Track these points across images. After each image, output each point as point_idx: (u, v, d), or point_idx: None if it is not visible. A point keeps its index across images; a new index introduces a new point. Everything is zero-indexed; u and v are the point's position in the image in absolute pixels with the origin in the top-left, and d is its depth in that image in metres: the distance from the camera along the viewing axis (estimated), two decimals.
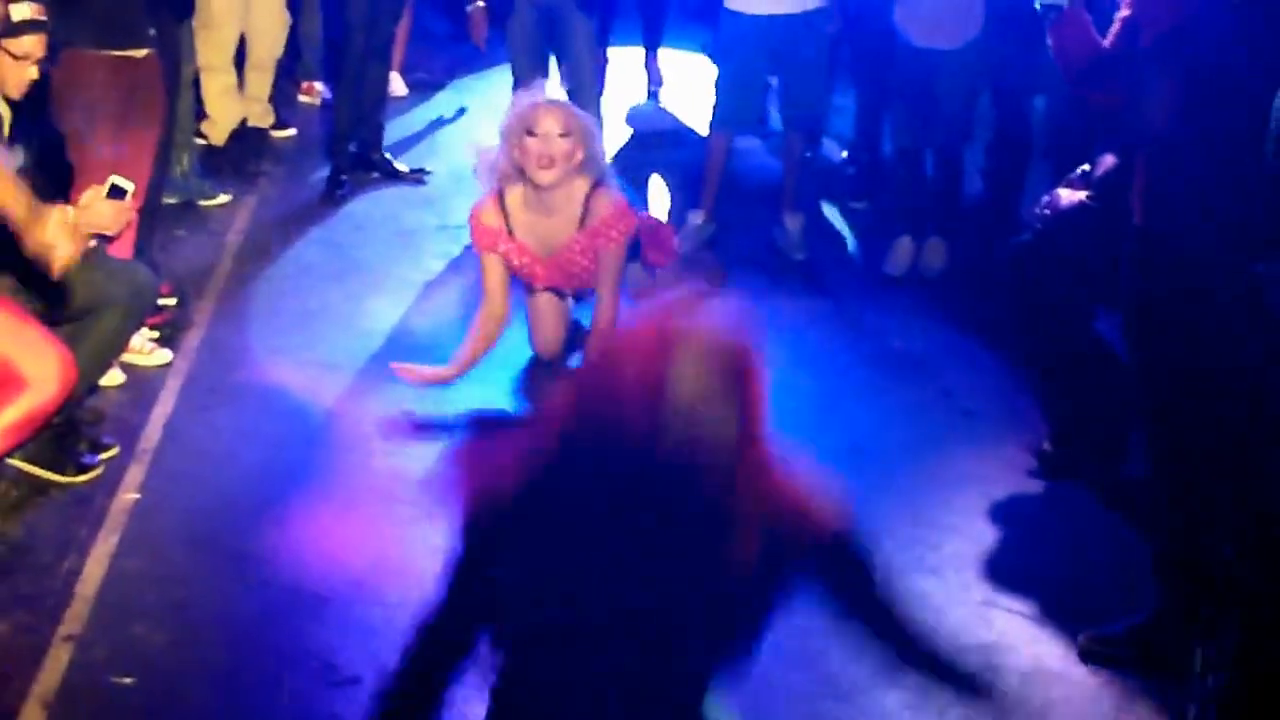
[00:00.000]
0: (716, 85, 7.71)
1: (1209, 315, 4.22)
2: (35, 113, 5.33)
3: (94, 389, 5.45)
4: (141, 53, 5.98)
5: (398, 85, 9.75)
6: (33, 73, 5.15)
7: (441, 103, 10.00)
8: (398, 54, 9.70)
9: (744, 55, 7.43)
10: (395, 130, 8.99)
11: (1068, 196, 5.36)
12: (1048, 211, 5.40)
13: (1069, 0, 4.30)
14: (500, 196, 5.77)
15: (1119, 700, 4.36)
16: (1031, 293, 5.42)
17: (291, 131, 9.11)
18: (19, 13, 5.05)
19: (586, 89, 7.76)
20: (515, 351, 6.15)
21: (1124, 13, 4.33)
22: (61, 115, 5.74)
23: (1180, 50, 4.14)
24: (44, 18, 5.16)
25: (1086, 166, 5.38)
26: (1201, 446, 4.34)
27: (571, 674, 2.89)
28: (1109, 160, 5.21)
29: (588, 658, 2.87)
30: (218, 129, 8.34)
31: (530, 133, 5.54)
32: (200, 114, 8.22)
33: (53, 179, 5.63)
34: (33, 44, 5.10)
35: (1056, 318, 5.37)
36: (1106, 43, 4.38)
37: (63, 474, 5.18)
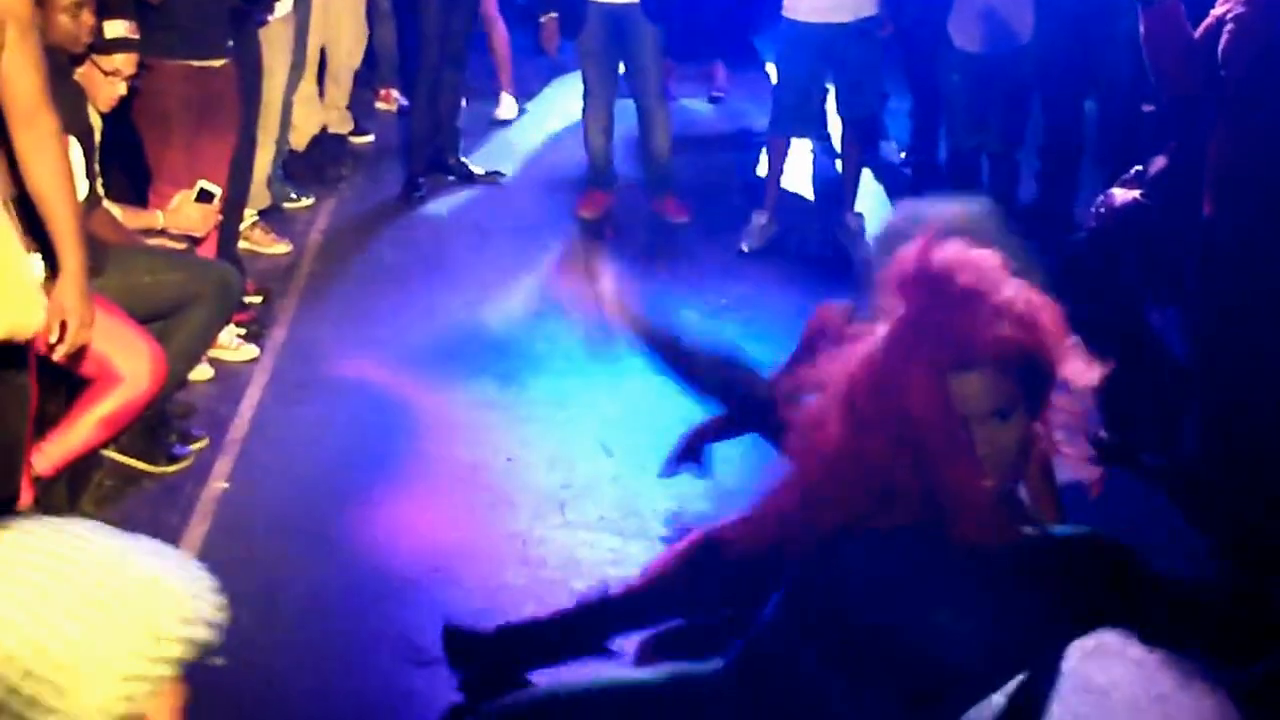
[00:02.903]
0: (775, 90, 7.85)
1: (1273, 306, 4.30)
2: (118, 120, 5.47)
3: (184, 383, 5.53)
4: (219, 63, 6.04)
5: (509, 107, 9.93)
6: (121, 89, 5.25)
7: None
8: (504, 74, 9.89)
9: (801, 62, 7.54)
10: (471, 135, 9.15)
11: (1122, 196, 5.41)
12: (1102, 210, 5.46)
13: None
14: None
15: (1178, 678, 4.36)
16: (1087, 287, 5.46)
17: (369, 137, 9.24)
18: (112, 30, 5.14)
19: (653, 96, 7.94)
20: None
21: (1219, 10, 4.33)
22: (139, 123, 5.87)
23: (1265, 53, 4.20)
24: (136, 36, 5.27)
25: (1139, 167, 5.45)
26: (1260, 436, 4.40)
27: None
28: (1161, 161, 5.28)
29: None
30: (298, 135, 8.43)
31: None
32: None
33: (131, 184, 5.81)
34: (123, 61, 5.20)
35: (1111, 311, 5.42)
36: (1197, 34, 4.37)
37: (155, 464, 5.31)
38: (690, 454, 4.93)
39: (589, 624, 3.91)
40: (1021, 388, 2.59)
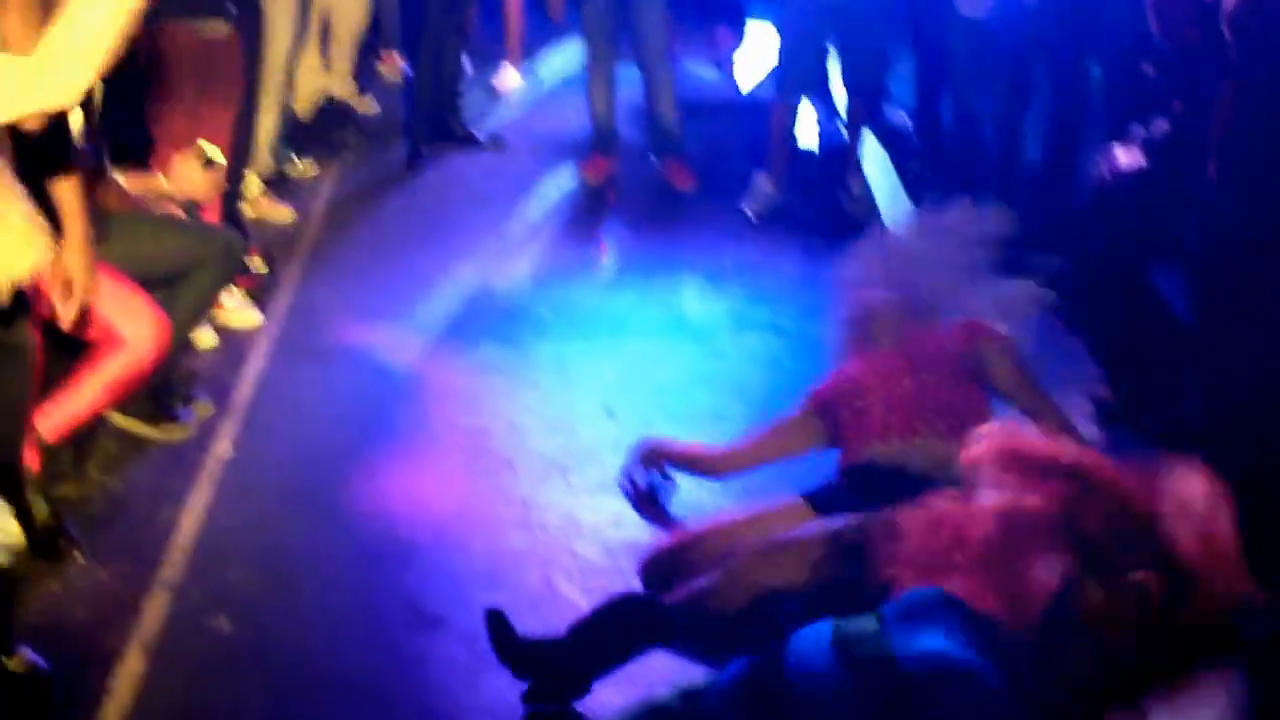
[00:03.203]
0: (779, 54, 7.82)
1: (1274, 267, 4.30)
2: (120, 85, 5.45)
3: (188, 348, 5.54)
4: (221, 30, 5.99)
5: (511, 77, 9.89)
6: (123, 53, 5.26)
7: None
8: (512, 45, 9.87)
9: (805, 25, 7.53)
10: (474, 100, 9.17)
11: (1125, 158, 5.43)
12: (1105, 170, 5.47)
13: None
14: None
15: None
16: (1090, 248, 5.48)
17: (373, 102, 9.25)
18: None
19: (657, 59, 7.92)
20: None
21: None
22: (141, 88, 5.78)
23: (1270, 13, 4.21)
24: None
25: (1141, 129, 5.45)
26: (1261, 398, 4.42)
27: None
28: (1163, 123, 5.28)
29: None
30: (302, 102, 8.46)
31: None
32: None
33: (134, 150, 5.80)
34: None
35: (1114, 271, 5.43)
36: None
37: (159, 429, 5.30)
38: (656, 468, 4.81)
39: (654, 637, 3.83)
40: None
